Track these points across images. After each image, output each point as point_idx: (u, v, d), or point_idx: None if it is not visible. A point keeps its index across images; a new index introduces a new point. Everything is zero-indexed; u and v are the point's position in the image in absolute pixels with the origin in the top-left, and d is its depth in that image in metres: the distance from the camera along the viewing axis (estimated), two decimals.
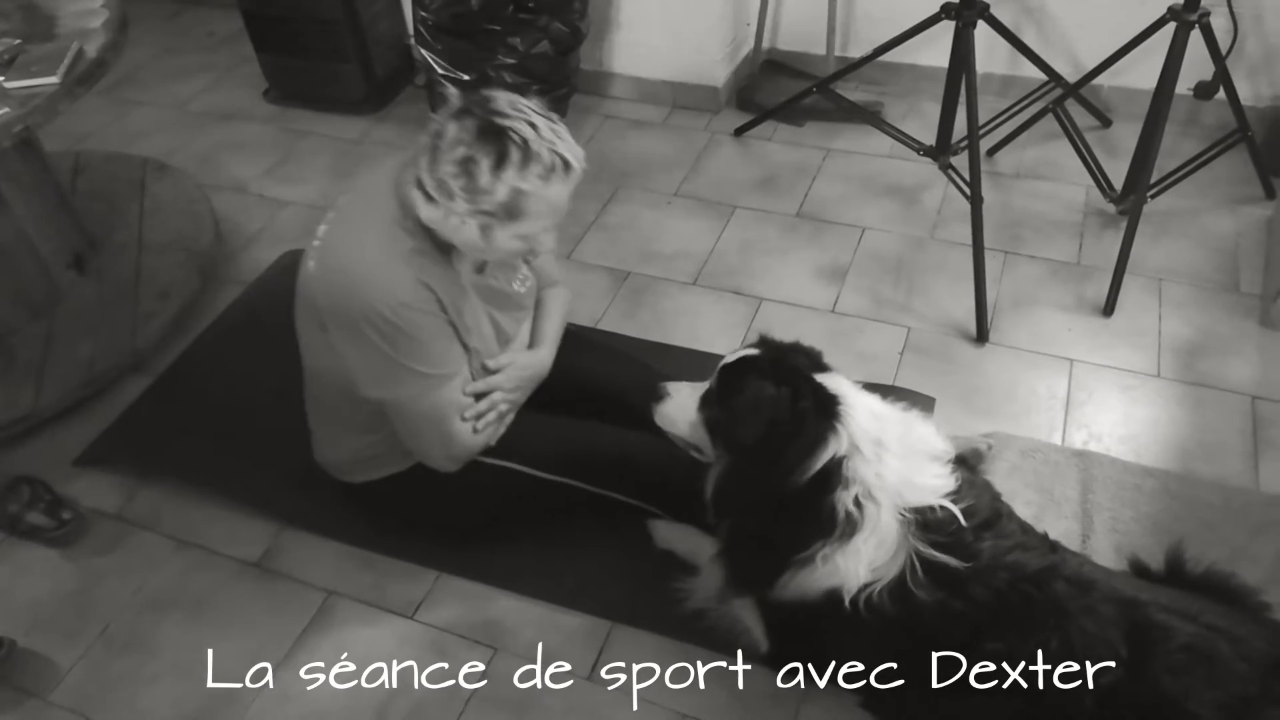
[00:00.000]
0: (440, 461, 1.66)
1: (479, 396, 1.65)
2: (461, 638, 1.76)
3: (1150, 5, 2.32)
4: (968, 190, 2.30)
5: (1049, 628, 1.32)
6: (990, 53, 2.90)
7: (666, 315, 2.41)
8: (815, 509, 1.38)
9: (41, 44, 2.09)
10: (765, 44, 3.23)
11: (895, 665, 1.47)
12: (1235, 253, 2.47)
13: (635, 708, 1.64)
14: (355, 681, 1.70)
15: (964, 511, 1.38)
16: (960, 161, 2.40)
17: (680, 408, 1.57)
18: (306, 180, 2.97)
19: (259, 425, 2.10)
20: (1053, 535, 1.52)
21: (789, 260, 2.56)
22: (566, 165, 1.43)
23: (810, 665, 1.62)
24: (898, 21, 2.56)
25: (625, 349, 2.09)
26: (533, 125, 1.40)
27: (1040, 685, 1.32)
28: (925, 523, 1.37)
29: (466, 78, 2.76)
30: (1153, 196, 2.39)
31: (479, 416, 1.63)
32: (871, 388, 1.55)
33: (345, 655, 1.74)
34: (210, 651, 1.76)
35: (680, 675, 1.67)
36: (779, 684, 1.63)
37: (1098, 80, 2.66)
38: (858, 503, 1.36)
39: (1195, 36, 2.23)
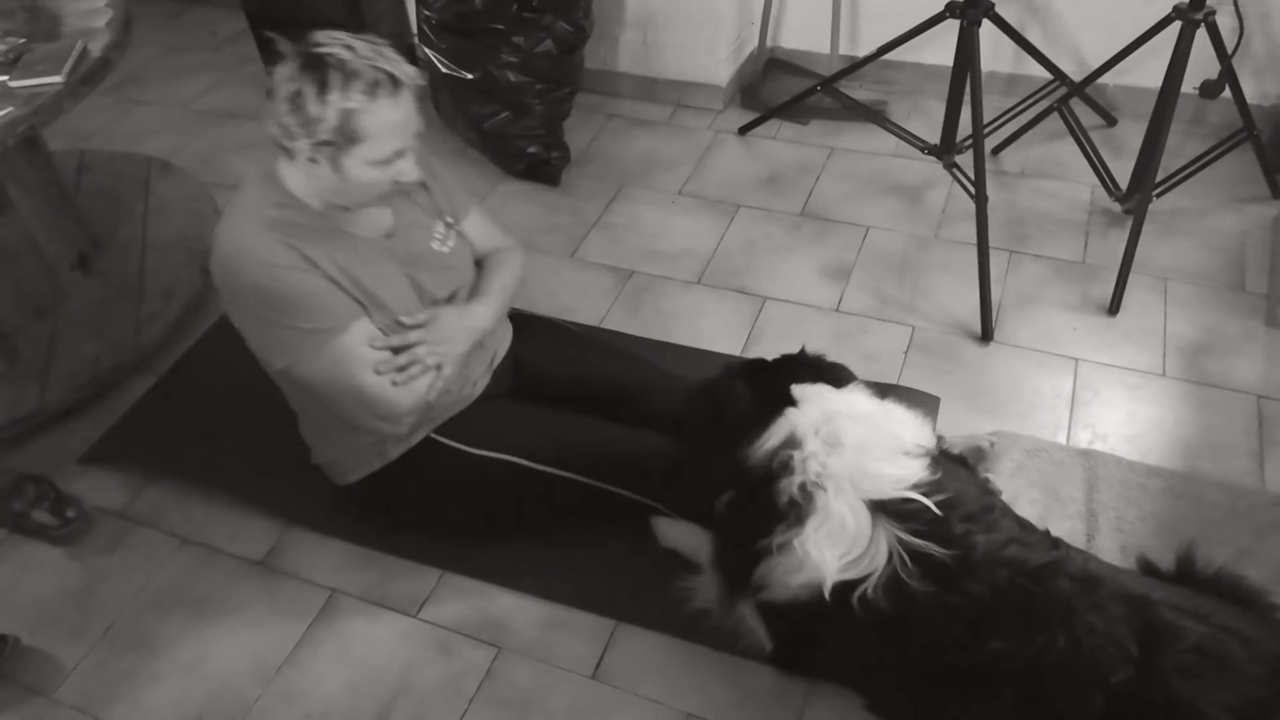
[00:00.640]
0: (370, 421, 1.64)
1: (400, 355, 1.64)
2: (465, 636, 1.75)
3: (1155, 4, 2.32)
4: (972, 189, 2.29)
5: (1056, 625, 1.31)
6: (995, 51, 2.90)
7: (670, 314, 2.41)
8: (766, 499, 1.44)
9: (46, 43, 2.09)
10: (769, 42, 3.22)
11: (898, 665, 1.47)
12: (1241, 252, 2.46)
13: (639, 707, 1.63)
14: (359, 680, 1.70)
15: (944, 503, 1.39)
16: (965, 160, 2.40)
17: None
18: (238, 184, 2.97)
19: (263, 424, 2.09)
20: (1058, 535, 1.52)
21: (793, 259, 2.55)
22: (394, 80, 1.46)
23: (815, 666, 1.62)
24: (902, 20, 2.56)
25: (628, 348, 2.09)
26: (350, 47, 1.45)
27: (1048, 684, 1.32)
28: (899, 513, 1.38)
29: (470, 76, 2.76)
30: (1158, 195, 2.39)
31: (400, 370, 1.61)
32: (875, 387, 1.57)
33: (348, 654, 1.74)
34: (214, 650, 1.76)
35: (684, 674, 1.67)
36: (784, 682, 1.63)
37: (1103, 79, 2.65)
38: (804, 490, 1.40)
39: (1201, 35, 2.22)
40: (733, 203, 2.77)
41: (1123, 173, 2.54)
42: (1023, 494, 1.88)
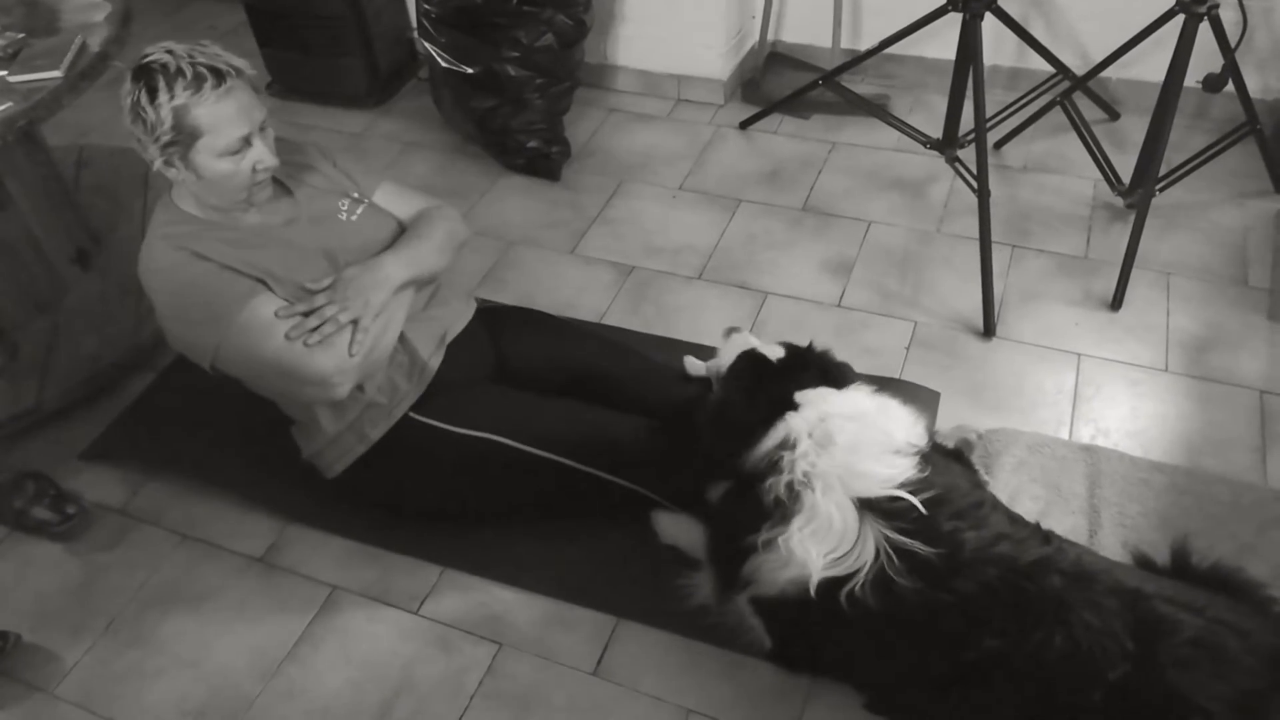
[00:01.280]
0: (306, 391, 1.67)
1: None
2: (466, 632, 1.75)
3: None
4: (975, 183, 2.28)
5: (1051, 622, 1.31)
6: (997, 45, 2.89)
7: (671, 310, 2.41)
8: (754, 495, 1.47)
9: (45, 38, 2.09)
10: (770, 36, 3.21)
11: (893, 664, 1.47)
12: (1244, 247, 2.45)
13: (640, 703, 1.63)
14: (359, 676, 1.70)
15: (931, 500, 1.39)
16: (967, 155, 2.39)
17: (726, 358, 1.73)
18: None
19: (263, 421, 2.09)
20: (1060, 530, 1.52)
21: (795, 254, 2.55)
22: (216, 72, 1.53)
23: (814, 663, 1.62)
24: (904, 13, 2.55)
25: (628, 343, 2.09)
26: (170, 51, 1.53)
27: (1046, 682, 1.31)
28: (885, 511, 1.39)
29: (470, 70, 2.75)
30: (1161, 190, 2.38)
31: (313, 331, 1.62)
32: (876, 382, 1.59)
33: (349, 650, 1.74)
34: (214, 646, 1.76)
35: (685, 671, 1.67)
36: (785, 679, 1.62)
37: (1106, 73, 2.64)
38: (791, 489, 1.42)
39: (1204, 29, 2.21)
40: (734, 197, 2.76)
41: (1125, 167, 2.53)
42: (1025, 490, 1.88)
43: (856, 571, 1.38)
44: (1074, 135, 2.58)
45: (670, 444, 1.77)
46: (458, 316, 1.89)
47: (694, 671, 1.66)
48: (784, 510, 1.43)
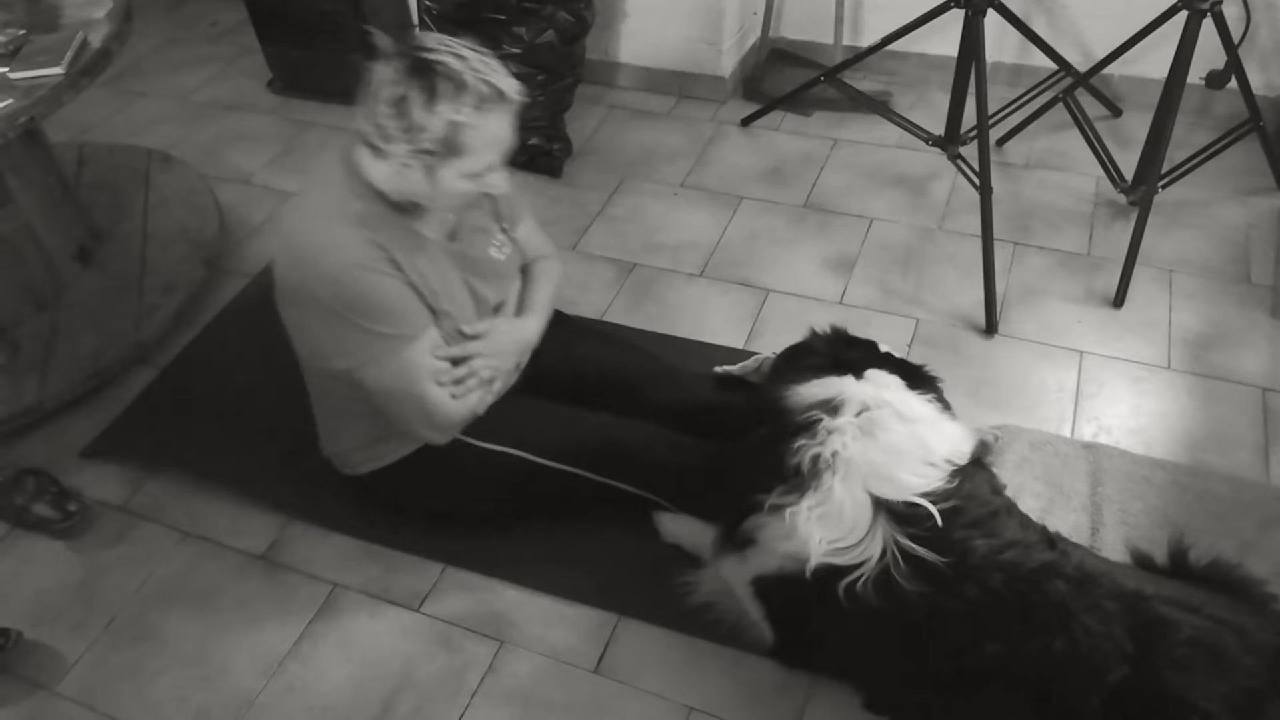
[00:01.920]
0: (423, 430, 1.64)
1: (457, 364, 1.63)
2: (467, 630, 1.75)
3: None
4: (977, 180, 2.28)
5: (1052, 627, 1.30)
6: (1000, 41, 2.88)
7: (672, 307, 2.40)
8: (778, 449, 1.43)
9: (46, 35, 2.09)
10: (772, 33, 3.20)
11: (893, 663, 1.46)
12: (1246, 244, 2.45)
13: (641, 701, 1.63)
14: (361, 674, 1.70)
15: (949, 511, 1.37)
16: (969, 151, 2.38)
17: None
18: (310, 171, 2.97)
19: (265, 417, 2.10)
20: (1062, 528, 1.52)
21: (796, 251, 2.54)
22: (501, 94, 1.42)
23: (816, 659, 1.62)
24: (906, 10, 2.54)
25: (631, 340, 2.08)
26: (460, 57, 1.40)
27: (1046, 686, 1.31)
28: (902, 516, 1.37)
29: None
30: (1163, 187, 2.37)
31: (457, 382, 1.61)
32: None
33: (351, 648, 1.74)
34: (216, 644, 1.76)
35: (686, 668, 1.67)
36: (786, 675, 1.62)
37: (1108, 69, 2.63)
38: (815, 463, 1.39)
39: (1207, 25, 2.20)
40: (735, 194, 2.76)
41: (1128, 164, 2.52)
42: (1027, 487, 1.88)
43: (860, 565, 1.37)
44: (1076, 132, 2.57)
45: (683, 449, 1.76)
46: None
47: (695, 669, 1.66)
48: (801, 481, 1.40)
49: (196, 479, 2.04)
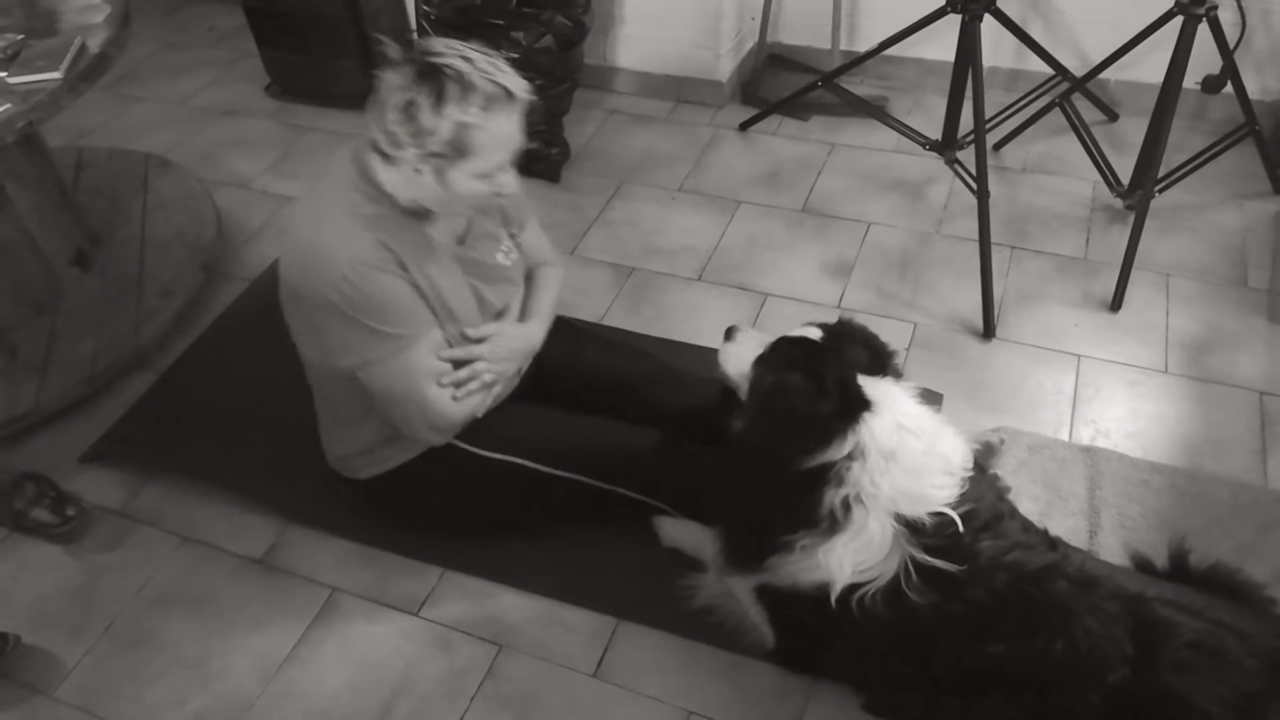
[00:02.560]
0: (423, 431, 1.64)
1: (460, 366, 1.63)
2: (466, 634, 1.75)
3: None
4: (974, 185, 2.28)
5: (1053, 628, 1.31)
6: (996, 46, 2.89)
7: (670, 311, 2.41)
8: (805, 500, 1.38)
9: (44, 39, 2.08)
10: (769, 38, 3.21)
11: (896, 667, 1.46)
12: (1243, 248, 2.45)
13: (640, 705, 1.63)
14: (359, 678, 1.70)
15: (964, 516, 1.36)
16: (966, 156, 2.39)
17: (739, 356, 1.58)
18: (318, 173, 2.96)
19: (263, 422, 2.09)
20: (1059, 532, 1.52)
21: (794, 255, 2.55)
22: (508, 94, 1.42)
23: (816, 663, 1.62)
24: (903, 15, 2.55)
25: (637, 346, 2.08)
26: (467, 59, 1.40)
27: (1047, 686, 1.31)
28: (920, 528, 1.36)
29: None
30: (1160, 191, 2.38)
31: (460, 385, 1.61)
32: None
33: (349, 652, 1.74)
34: (214, 648, 1.76)
35: (685, 672, 1.66)
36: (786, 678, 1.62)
37: (1105, 74, 2.64)
38: (846, 504, 1.36)
39: (1203, 30, 2.21)
40: (733, 199, 2.76)
41: (1125, 168, 2.53)
42: (1025, 491, 1.88)
43: (873, 580, 1.37)
44: (1073, 137, 2.58)
45: (684, 453, 1.77)
46: None
47: (694, 673, 1.66)
48: (834, 524, 1.37)
49: (195, 483, 2.03)
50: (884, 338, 2.19)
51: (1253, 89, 2.57)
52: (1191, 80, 2.50)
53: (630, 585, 1.78)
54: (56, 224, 2.44)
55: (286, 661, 1.73)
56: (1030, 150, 2.84)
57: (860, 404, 1.37)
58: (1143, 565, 1.55)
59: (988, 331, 2.26)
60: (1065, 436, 2.02)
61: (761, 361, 1.52)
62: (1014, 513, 1.47)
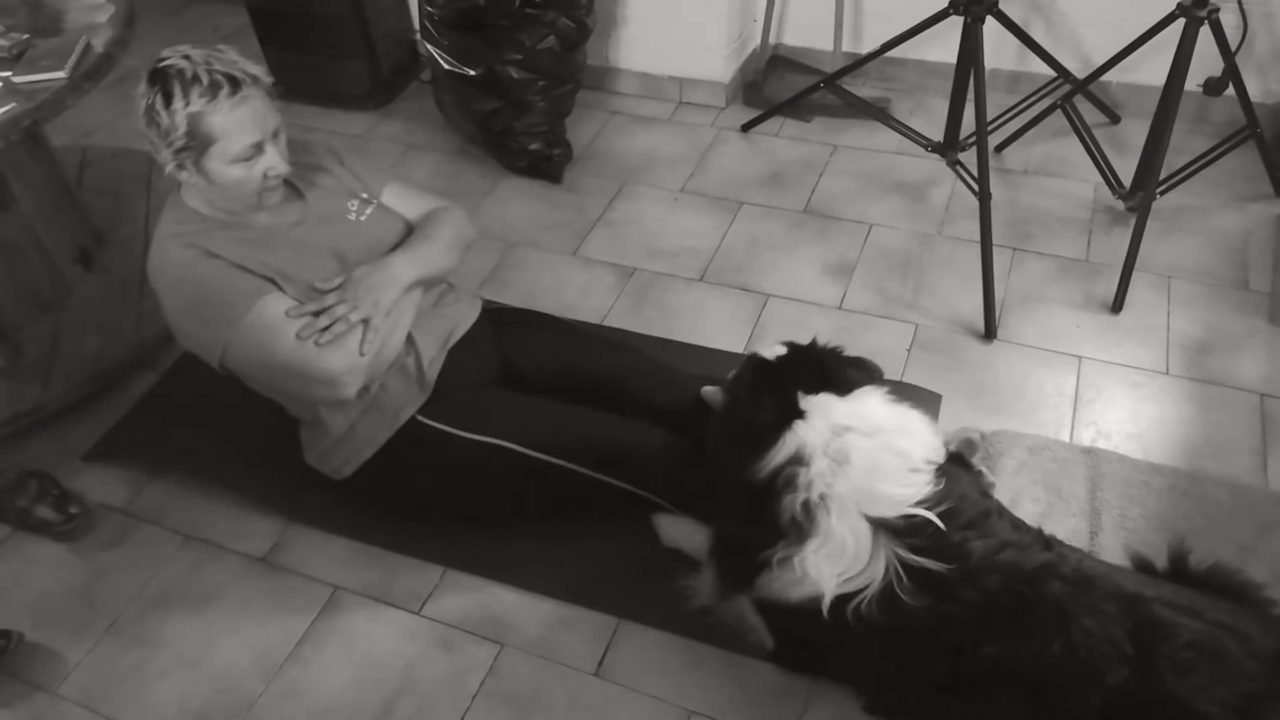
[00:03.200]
0: (316, 390, 1.66)
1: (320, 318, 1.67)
2: (468, 633, 1.76)
3: (1159, 1, 2.30)
4: (976, 187, 2.29)
5: (1050, 629, 1.30)
6: (999, 48, 2.89)
7: (672, 311, 2.41)
8: (768, 509, 1.41)
9: (49, 39, 2.09)
10: (772, 39, 3.22)
11: (894, 670, 1.47)
12: (1244, 250, 2.46)
13: (641, 704, 1.63)
14: (361, 676, 1.70)
15: (945, 514, 1.36)
16: (968, 158, 2.39)
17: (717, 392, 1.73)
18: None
19: (265, 421, 2.09)
20: (1060, 533, 1.52)
21: (796, 256, 2.55)
22: (231, 79, 1.54)
23: (816, 664, 1.62)
24: (905, 16, 2.55)
25: (620, 339, 2.09)
26: (187, 56, 1.54)
27: (1045, 688, 1.31)
28: (900, 529, 1.36)
29: (472, 73, 2.75)
30: (1161, 193, 2.38)
31: (322, 331, 1.62)
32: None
33: (351, 650, 1.74)
34: (217, 646, 1.76)
35: (687, 671, 1.67)
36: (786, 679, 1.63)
37: (1107, 76, 2.64)
38: (807, 508, 1.37)
39: (1205, 33, 2.21)
40: (735, 200, 2.77)
41: (1126, 170, 2.53)
42: (1026, 492, 1.88)
43: (864, 588, 1.37)
44: (1075, 139, 2.58)
45: (677, 448, 1.78)
46: (464, 316, 1.89)
47: (696, 672, 1.67)
48: (800, 531, 1.39)
49: (198, 482, 2.04)
50: (884, 339, 2.20)
51: (1254, 91, 2.58)
52: (1193, 83, 2.49)
53: (632, 585, 1.78)
54: (60, 223, 2.44)
55: (288, 660, 1.73)
56: (1032, 152, 2.84)
57: (792, 413, 1.42)
58: (1143, 566, 1.55)
59: (989, 333, 2.26)
60: (1066, 438, 2.02)
61: (726, 383, 1.64)
62: (1002, 511, 1.47)
